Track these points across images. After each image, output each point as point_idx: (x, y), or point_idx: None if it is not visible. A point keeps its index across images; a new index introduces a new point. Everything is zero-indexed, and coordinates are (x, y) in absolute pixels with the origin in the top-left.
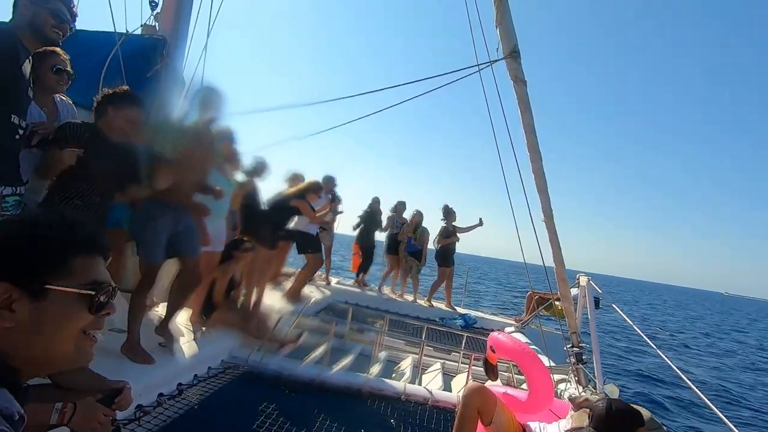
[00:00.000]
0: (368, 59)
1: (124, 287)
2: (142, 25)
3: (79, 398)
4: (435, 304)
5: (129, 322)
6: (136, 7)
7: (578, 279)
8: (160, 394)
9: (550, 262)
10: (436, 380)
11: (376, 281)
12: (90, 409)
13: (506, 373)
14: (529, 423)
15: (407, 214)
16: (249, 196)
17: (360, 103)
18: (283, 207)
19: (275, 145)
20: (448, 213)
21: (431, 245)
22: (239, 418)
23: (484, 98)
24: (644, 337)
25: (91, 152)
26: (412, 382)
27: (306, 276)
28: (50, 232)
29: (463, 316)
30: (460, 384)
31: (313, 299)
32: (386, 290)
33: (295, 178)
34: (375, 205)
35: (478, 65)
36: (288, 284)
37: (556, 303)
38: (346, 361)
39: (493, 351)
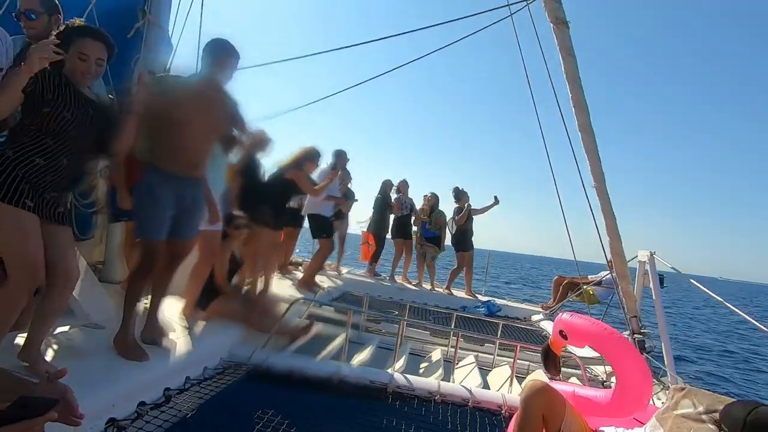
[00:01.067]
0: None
1: (104, 278)
2: None
3: None
4: (454, 292)
5: (124, 311)
6: None
7: (639, 254)
8: (141, 403)
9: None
10: (472, 376)
11: (384, 271)
12: None
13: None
14: (602, 429)
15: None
16: (247, 169)
17: (372, 66)
18: (280, 181)
19: (279, 115)
20: (460, 194)
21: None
22: (241, 427)
23: (518, 45)
24: (748, 318)
25: (61, 102)
26: (446, 378)
27: (319, 262)
28: None
29: (485, 303)
30: (498, 380)
31: (326, 288)
32: (399, 279)
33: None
34: (387, 188)
35: (509, 4)
36: (298, 274)
37: (587, 288)
38: (365, 355)
39: (565, 337)
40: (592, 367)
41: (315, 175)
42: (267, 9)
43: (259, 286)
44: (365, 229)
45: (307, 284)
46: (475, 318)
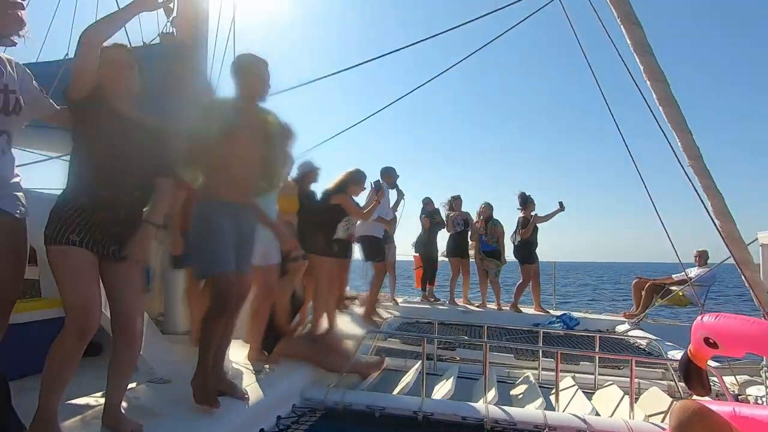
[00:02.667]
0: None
1: (166, 330)
2: (159, 35)
3: None
4: (523, 309)
5: (200, 355)
6: (151, 16)
7: (758, 236)
8: None
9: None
10: (577, 401)
11: (442, 295)
12: None
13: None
14: None
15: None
16: (300, 202)
17: (401, 75)
18: (326, 207)
19: (323, 143)
20: (526, 201)
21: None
22: None
23: (570, 26)
24: None
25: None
26: (547, 406)
27: (376, 290)
28: None
29: (560, 317)
30: (608, 403)
31: (386, 319)
32: (459, 301)
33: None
34: (429, 205)
35: None
36: (355, 308)
37: (674, 288)
38: (447, 387)
39: (712, 345)
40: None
41: (364, 195)
42: (291, 38)
43: (323, 322)
44: (414, 252)
45: (368, 317)
46: (560, 335)
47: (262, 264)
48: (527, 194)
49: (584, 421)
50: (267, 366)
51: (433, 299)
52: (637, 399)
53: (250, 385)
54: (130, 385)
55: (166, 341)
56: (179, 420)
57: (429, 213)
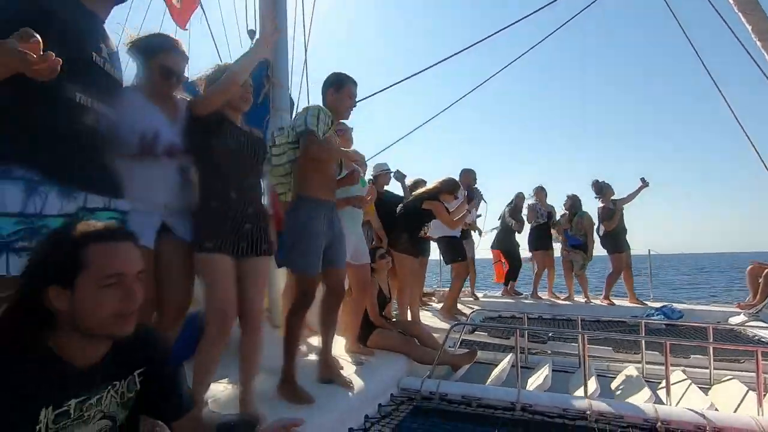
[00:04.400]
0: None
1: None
2: None
3: None
4: (615, 301)
5: (285, 354)
6: (237, 40)
7: None
8: None
9: None
10: (692, 396)
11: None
12: None
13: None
14: None
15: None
16: (379, 204)
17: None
18: (415, 210)
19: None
20: (602, 188)
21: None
22: None
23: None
24: None
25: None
26: (657, 401)
27: (458, 287)
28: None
29: (660, 309)
30: (730, 398)
31: (468, 314)
32: (543, 295)
33: (417, 184)
34: (520, 201)
35: None
36: (434, 305)
37: None
38: (541, 379)
39: None
40: None
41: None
42: (361, 49)
43: (409, 316)
44: (491, 246)
45: (449, 312)
46: (663, 327)
47: (355, 262)
48: (601, 181)
49: (703, 416)
50: (364, 357)
51: (514, 293)
52: (766, 395)
53: (351, 375)
54: None
55: (276, 334)
56: (295, 408)
57: (516, 208)
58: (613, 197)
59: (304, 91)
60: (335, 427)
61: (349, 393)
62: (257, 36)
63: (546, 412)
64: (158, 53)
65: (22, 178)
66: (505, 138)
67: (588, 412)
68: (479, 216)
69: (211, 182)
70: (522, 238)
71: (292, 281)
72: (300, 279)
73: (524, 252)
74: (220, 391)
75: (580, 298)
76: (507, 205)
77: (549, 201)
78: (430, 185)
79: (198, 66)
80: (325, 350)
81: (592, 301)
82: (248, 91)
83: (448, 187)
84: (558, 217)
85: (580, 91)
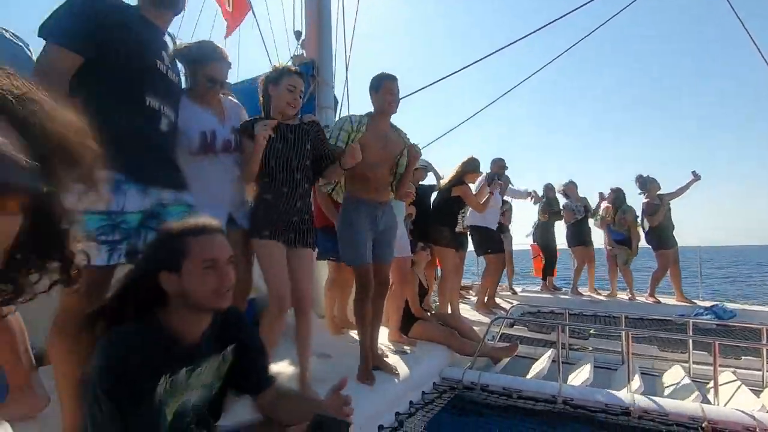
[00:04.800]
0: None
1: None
2: (292, 57)
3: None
4: (662, 299)
5: (359, 335)
6: (284, 41)
7: None
8: (380, 427)
9: None
10: (743, 397)
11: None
12: None
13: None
14: None
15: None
16: (419, 195)
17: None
18: (447, 199)
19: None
20: (646, 183)
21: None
22: None
23: None
24: None
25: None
26: (704, 401)
27: (491, 280)
28: None
29: (710, 309)
30: None
31: (510, 309)
32: (584, 291)
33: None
34: (550, 192)
35: None
36: (471, 298)
37: None
38: (583, 375)
39: None
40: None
41: (473, 186)
42: (401, 46)
43: (449, 309)
44: (531, 241)
45: (485, 306)
46: (713, 327)
47: (396, 254)
48: (645, 176)
49: (753, 417)
50: (407, 347)
51: (553, 288)
52: None
53: (396, 363)
54: None
55: (320, 322)
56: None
57: (549, 200)
58: (659, 192)
59: (343, 88)
60: (383, 411)
61: (395, 379)
62: (303, 37)
63: (588, 406)
64: (205, 63)
65: (110, 179)
66: (543, 134)
67: (631, 408)
68: (506, 208)
69: (264, 177)
70: (560, 233)
71: (332, 274)
72: (356, 269)
73: (562, 246)
74: (280, 371)
75: (623, 295)
76: (543, 196)
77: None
78: (452, 171)
79: (248, 65)
80: (374, 334)
81: (636, 298)
82: (296, 98)
83: (469, 166)
84: (594, 207)
85: (622, 84)
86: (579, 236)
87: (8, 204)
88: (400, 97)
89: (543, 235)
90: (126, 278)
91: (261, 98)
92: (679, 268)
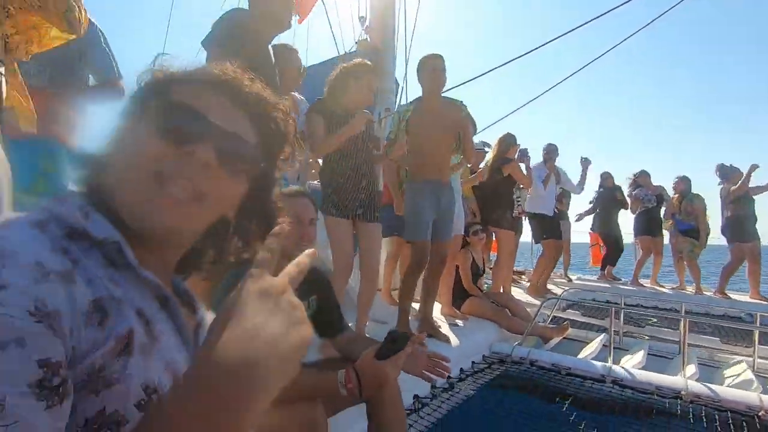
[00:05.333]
0: None
1: None
2: (356, 42)
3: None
4: (732, 295)
5: (400, 308)
6: (349, 27)
7: None
8: (433, 386)
9: None
10: None
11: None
12: (373, 370)
13: None
14: None
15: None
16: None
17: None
18: (499, 181)
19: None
20: (727, 172)
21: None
22: (519, 410)
23: None
24: None
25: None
26: (765, 392)
27: (545, 265)
28: None
29: None
30: None
31: (562, 294)
32: (646, 283)
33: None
34: (608, 180)
35: None
36: (522, 283)
37: None
38: (635, 360)
39: None
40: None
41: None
42: (461, 35)
43: (502, 289)
44: (591, 229)
45: (537, 291)
46: None
47: None
48: (728, 165)
49: None
50: (459, 321)
51: (612, 279)
52: None
53: (448, 334)
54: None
55: (378, 294)
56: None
57: (609, 189)
58: (742, 184)
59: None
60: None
61: (446, 347)
62: (367, 23)
63: (637, 387)
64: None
65: None
66: (598, 126)
67: (683, 392)
68: (564, 195)
69: (335, 160)
70: (625, 222)
71: (395, 250)
72: (414, 245)
73: (628, 236)
74: None
75: (691, 290)
76: (600, 186)
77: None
78: (492, 152)
79: (317, 50)
80: (426, 309)
81: (704, 293)
82: (370, 97)
83: (506, 143)
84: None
85: (685, 76)
86: (647, 226)
87: (239, 171)
88: (458, 83)
89: (604, 223)
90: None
91: (334, 83)
92: (760, 265)
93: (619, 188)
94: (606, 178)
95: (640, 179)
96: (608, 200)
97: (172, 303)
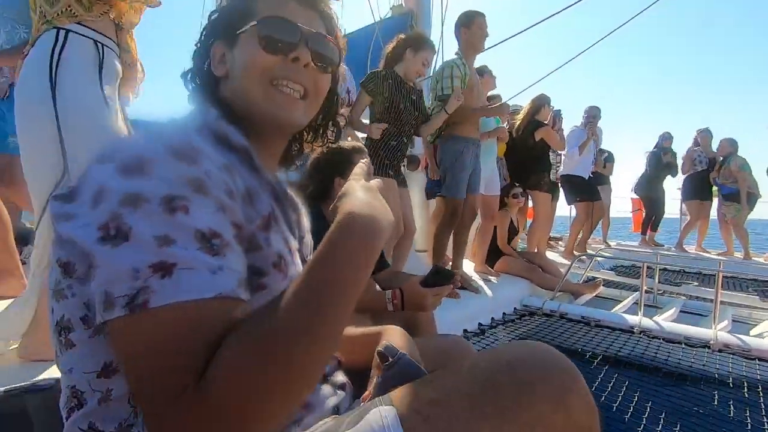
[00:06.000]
0: None
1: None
2: (391, 7)
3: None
4: None
5: (433, 261)
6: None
7: None
8: (465, 330)
9: None
10: None
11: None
12: (416, 291)
13: None
14: None
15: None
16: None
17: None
18: (532, 146)
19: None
20: None
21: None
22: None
23: None
24: None
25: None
26: None
27: (578, 229)
28: None
29: None
30: None
31: (597, 252)
32: (690, 249)
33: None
34: (667, 141)
35: None
36: (560, 248)
37: None
38: (668, 315)
39: None
40: None
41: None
42: None
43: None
44: (634, 194)
45: (571, 254)
46: None
47: (486, 193)
48: None
49: None
50: (492, 277)
51: (654, 245)
52: None
53: (481, 287)
54: None
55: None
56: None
57: (662, 149)
58: None
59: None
60: (466, 320)
61: (478, 297)
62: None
63: (665, 337)
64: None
65: None
66: (641, 83)
67: (711, 342)
68: (608, 159)
69: (391, 128)
70: (670, 186)
71: (440, 209)
72: (449, 202)
73: (673, 202)
74: None
75: (739, 255)
76: (655, 147)
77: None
78: (523, 113)
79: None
80: (458, 260)
81: (753, 259)
82: (423, 71)
83: (537, 105)
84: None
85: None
86: (696, 189)
87: (329, 67)
88: (495, 43)
89: (649, 186)
90: (308, 178)
91: (391, 51)
92: None
93: (671, 150)
94: (667, 138)
95: (700, 137)
96: (658, 163)
97: (283, 199)
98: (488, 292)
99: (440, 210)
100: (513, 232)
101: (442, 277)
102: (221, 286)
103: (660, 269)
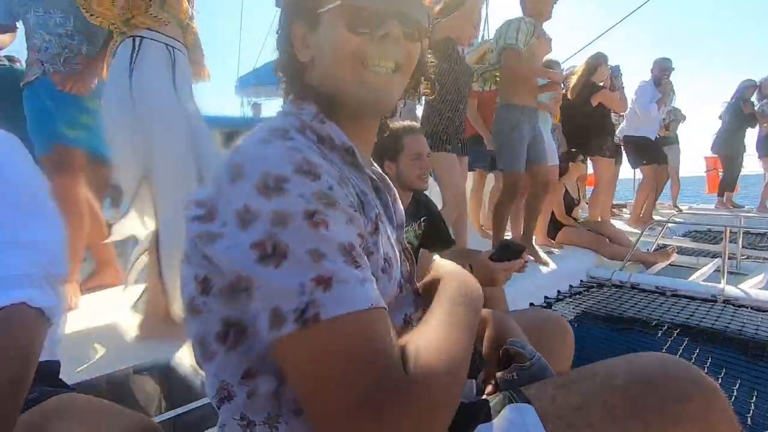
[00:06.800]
0: None
1: None
2: None
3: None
4: None
5: (493, 235)
6: None
7: None
8: (531, 304)
9: None
10: None
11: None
12: (487, 267)
13: None
14: None
15: None
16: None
17: None
18: (590, 113)
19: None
20: None
21: None
22: (618, 340)
23: None
24: None
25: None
26: None
27: (648, 194)
28: None
29: None
30: None
31: (669, 218)
32: None
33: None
34: (748, 90)
35: None
36: (625, 216)
37: None
38: (753, 282)
39: None
40: None
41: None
42: None
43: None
44: (711, 152)
45: (638, 221)
46: None
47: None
48: None
49: None
50: (555, 249)
51: (732, 207)
52: None
53: (546, 260)
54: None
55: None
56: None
57: (743, 99)
58: None
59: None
60: (533, 293)
61: (544, 269)
62: None
63: (754, 306)
64: None
65: None
66: (706, 34)
67: None
68: (674, 119)
69: (446, 98)
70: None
71: (477, 183)
72: (509, 175)
73: (752, 159)
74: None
75: None
76: (733, 97)
77: None
78: (577, 75)
79: None
80: (528, 232)
81: None
82: (475, 35)
83: (592, 65)
84: None
85: None
86: None
87: (417, 36)
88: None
89: (729, 142)
90: None
91: (439, 9)
92: None
93: (749, 100)
94: (746, 87)
95: (766, 87)
96: (738, 119)
97: (382, 191)
98: (552, 264)
99: (478, 185)
100: (570, 202)
101: (512, 252)
102: (371, 297)
103: (743, 232)
